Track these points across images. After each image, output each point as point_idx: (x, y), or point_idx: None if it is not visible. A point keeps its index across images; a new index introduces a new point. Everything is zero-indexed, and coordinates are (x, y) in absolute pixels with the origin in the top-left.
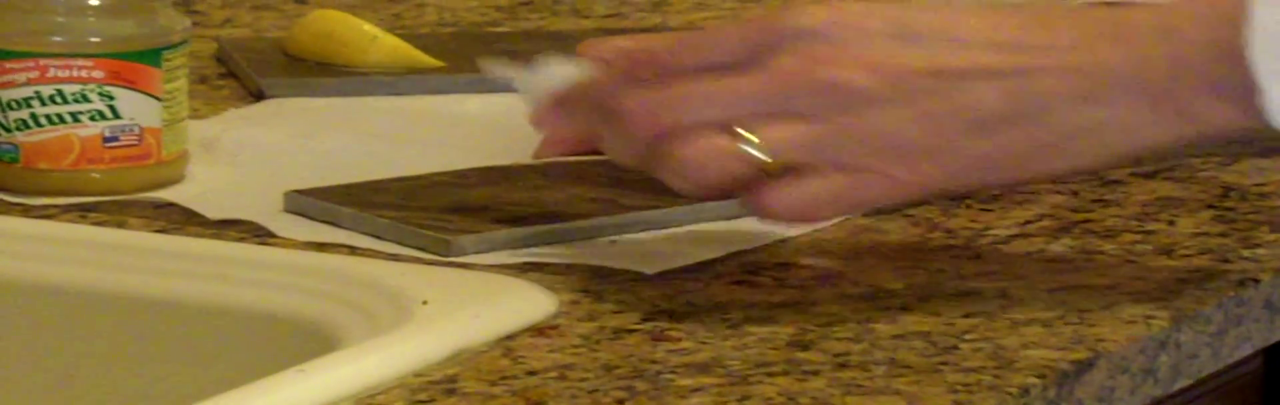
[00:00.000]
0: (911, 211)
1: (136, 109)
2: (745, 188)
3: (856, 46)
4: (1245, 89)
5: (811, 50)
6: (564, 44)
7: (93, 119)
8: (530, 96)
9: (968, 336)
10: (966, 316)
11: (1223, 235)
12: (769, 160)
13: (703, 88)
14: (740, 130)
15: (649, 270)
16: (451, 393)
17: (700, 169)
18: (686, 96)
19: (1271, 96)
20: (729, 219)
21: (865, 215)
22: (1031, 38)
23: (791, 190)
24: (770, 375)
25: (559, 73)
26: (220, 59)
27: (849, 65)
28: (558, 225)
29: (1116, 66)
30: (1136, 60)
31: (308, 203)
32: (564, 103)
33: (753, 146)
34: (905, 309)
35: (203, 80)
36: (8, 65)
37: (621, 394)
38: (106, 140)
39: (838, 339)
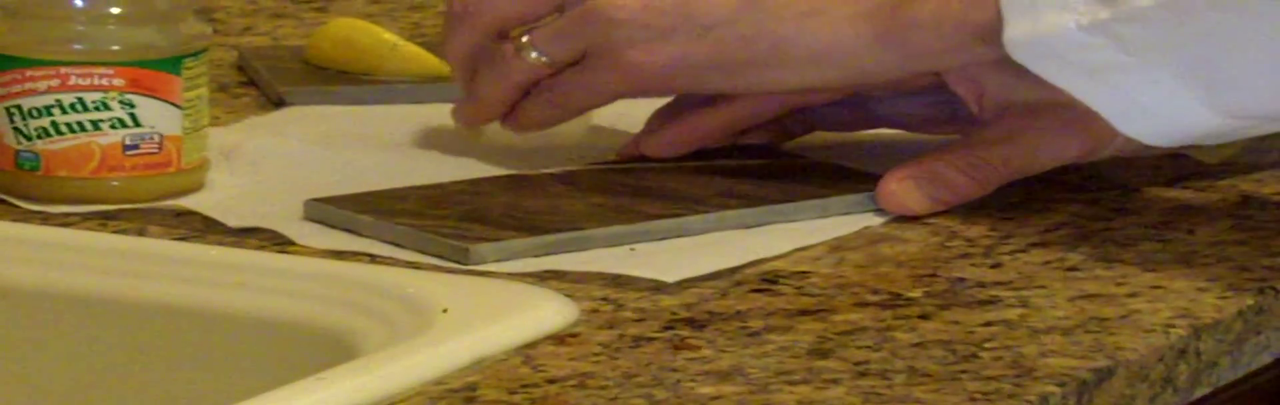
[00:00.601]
0: (931, 220)
1: (157, 117)
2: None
3: None
4: (982, 23)
5: None
6: None
7: (113, 127)
8: None
9: (987, 345)
10: (986, 325)
11: (1242, 243)
12: (539, 58)
13: None
14: (523, 38)
15: (669, 279)
16: (471, 401)
17: (504, 75)
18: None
19: (1006, 29)
20: (749, 227)
21: (884, 224)
22: None
23: (560, 79)
24: (790, 384)
25: None
26: (240, 67)
27: None
28: (577, 233)
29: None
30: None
31: (327, 211)
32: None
33: (525, 48)
34: (925, 317)
35: (223, 88)
36: (29, 73)
37: (641, 402)
38: (127, 148)
39: (857, 347)
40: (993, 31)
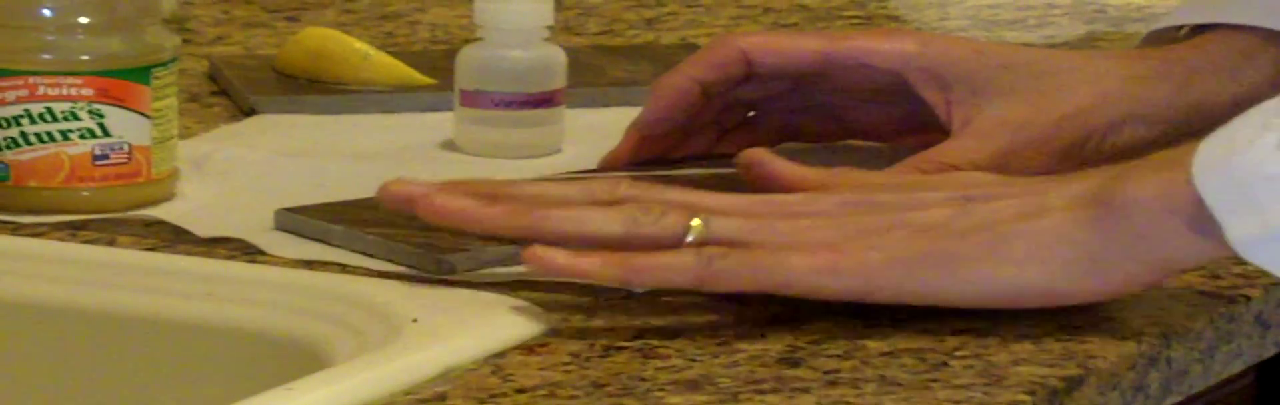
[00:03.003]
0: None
1: (126, 127)
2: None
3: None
4: (1203, 223)
5: None
6: None
7: (82, 137)
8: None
9: (958, 353)
10: (957, 333)
11: None
12: (694, 239)
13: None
14: (695, 220)
15: (639, 288)
16: None
17: (638, 223)
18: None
19: (1229, 230)
20: None
21: None
22: (999, 181)
23: (726, 262)
24: (760, 393)
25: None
26: (212, 77)
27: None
28: None
29: (1066, 192)
30: (1088, 190)
31: (298, 221)
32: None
33: (694, 228)
34: (895, 326)
35: (194, 98)
36: None
37: None
38: (96, 158)
39: (828, 356)
40: (1210, 221)
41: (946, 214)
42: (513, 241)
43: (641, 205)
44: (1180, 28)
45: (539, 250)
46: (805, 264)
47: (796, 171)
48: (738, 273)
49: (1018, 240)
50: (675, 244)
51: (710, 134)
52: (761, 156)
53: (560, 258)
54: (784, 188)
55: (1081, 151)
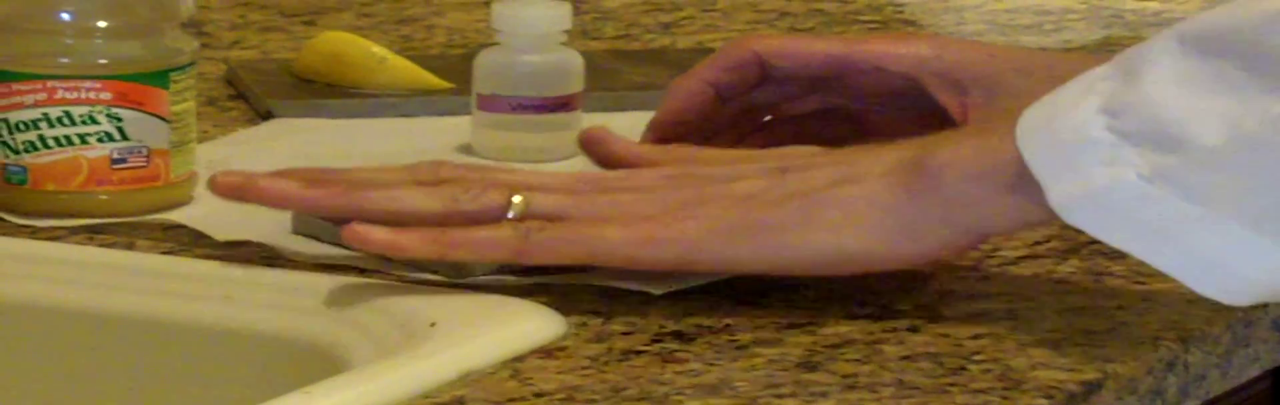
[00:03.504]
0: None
1: (144, 130)
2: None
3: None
4: (1023, 186)
5: None
6: None
7: (101, 140)
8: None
9: (976, 357)
10: (975, 338)
11: None
12: (515, 216)
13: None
14: (516, 196)
15: (656, 291)
16: None
17: (457, 200)
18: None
19: (1050, 192)
20: None
21: None
22: (818, 152)
23: (549, 236)
24: (779, 397)
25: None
26: (229, 81)
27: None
28: None
29: (883, 158)
30: (902, 158)
31: (316, 224)
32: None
33: (515, 205)
34: (913, 330)
35: (212, 102)
36: (16, 87)
37: None
38: (114, 162)
39: (846, 360)
40: (1027, 183)
41: (762, 184)
42: None
43: (463, 184)
44: None
45: (358, 227)
46: (622, 235)
47: (630, 148)
48: (555, 245)
49: (832, 207)
50: (496, 220)
51: (728, 137)
52: (601, 135)
53: (378, 233)
54: (620, 165)
55: None
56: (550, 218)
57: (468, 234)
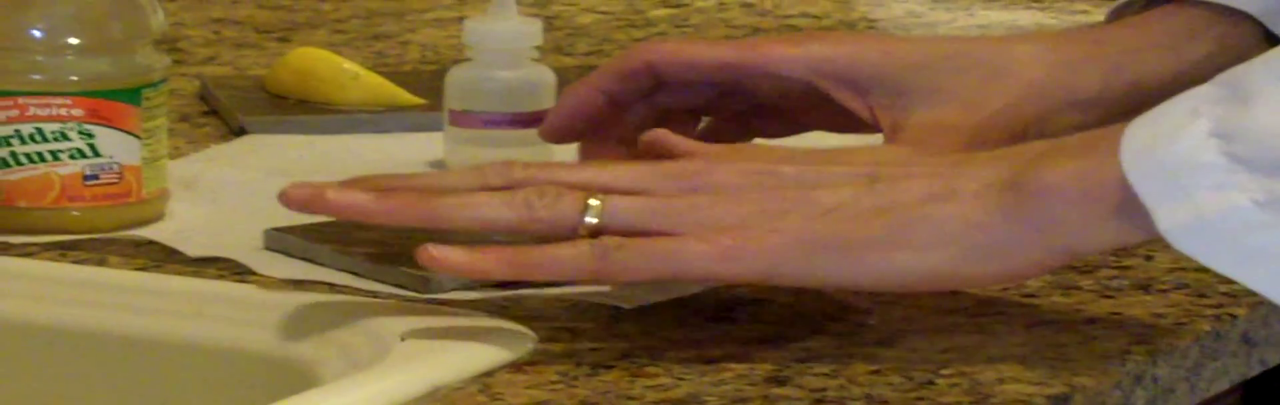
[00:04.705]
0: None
1: (116, 147)
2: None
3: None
4: (1128, 210)
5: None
6: None
7: (72, 157)
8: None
9: (944, 372)
10: (943, 352)
11: (1200, 270)
12: (593, 221)
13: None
14: (592, 200)
15: (626, 305)
16: None
17: (532, 207)
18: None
19: (1160, 219)
20: None
21: None
22: (909, 160)
23: (628, 254)
24: None
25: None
26: (202, 97)
27: (721, 168)
28: None
29: (979, 175)
30: (998, 176)
31: (287, 240)
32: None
33: (592, 209)
34: (882, 344)
35: (185, 118)
36: None
37: None
38: (86, 178)
39: (815, 375)
40: (1131, 207)
41: (848, 194)
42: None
43: (537, 189)
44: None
45: (433, 250)
46: (703, 252)
47: (695, 145)
48: (634, 264)
49: (922, 226)
50: (573, 226)
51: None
52: (661, 137)
53: (455, 256)
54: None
55: (1020, 143)
56: (627, 228)
57: (545, 254)
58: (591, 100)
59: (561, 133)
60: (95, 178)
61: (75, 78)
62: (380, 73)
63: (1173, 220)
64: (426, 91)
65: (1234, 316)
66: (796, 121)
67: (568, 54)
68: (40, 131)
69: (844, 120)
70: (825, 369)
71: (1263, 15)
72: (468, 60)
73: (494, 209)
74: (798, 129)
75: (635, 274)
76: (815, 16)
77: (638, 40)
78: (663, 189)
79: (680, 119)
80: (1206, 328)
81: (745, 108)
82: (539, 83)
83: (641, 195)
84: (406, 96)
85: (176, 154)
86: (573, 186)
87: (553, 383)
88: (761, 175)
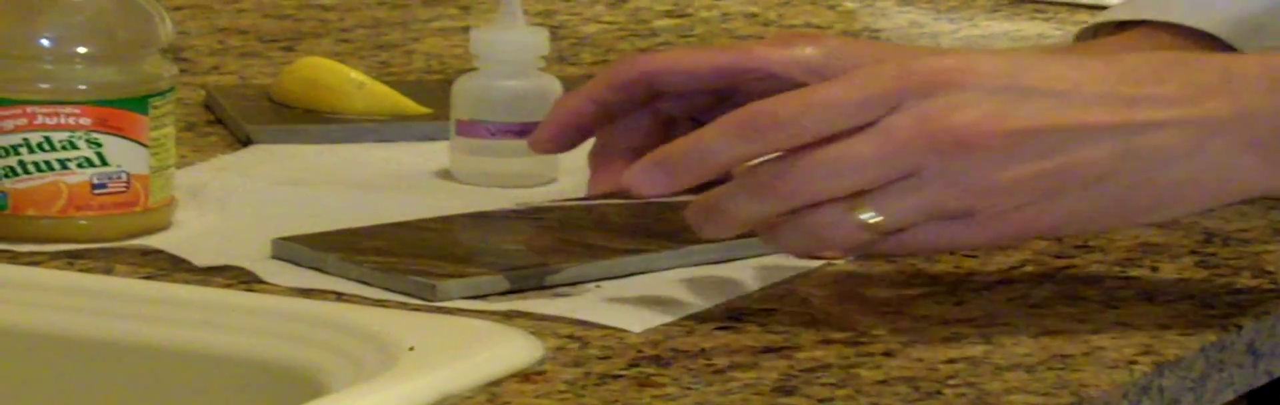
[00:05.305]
0: (896, 257)
1: (124, 156)
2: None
3: (970, 104)
4: None
5: (926, 109)
6: None
7: (81, 166)
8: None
9: (951, 382)
10: (950, 362)
11: (1205, 280)
12: (883, 226)
13: (827, 157)
14: (861, 215)
15: (635, 328)
16: None
17: (817, 239)
18: (812, 166)
19: None
20: (716, 263)
21: (850, 261)
22: (1141, 90)
23: (904, 239)
24: None
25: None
26: (208, 106)
27: (963, 124)
28: (543, 270)
29: (1224, 119)
30: (1244, 113)
31: (295, 249)
32: (663, 161)
33: (870, 220)
34: (889, 354)
35: (191, 127)
36: None
37: None
38: (94, 187)
39: (822, 384)
40: None
41: (1110, 158)
42: (509, 269)
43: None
44: (1116, 25)
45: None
46: (981, 239)
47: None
48: (916, 249)
49: (1189, 187)
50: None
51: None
52: None
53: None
54: None
55: None
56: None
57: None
58: (582, 111)
59: (551, 143)
60: (103, 187)
61: (83, 86)
62: (385, 82)
63: None
64: (432, 101)
65: (1240, 327)
66: None
67: (573, 64)
68: (48, 140)
69: None
70: (832, 379)
71: (1232, 38)
72: (474, 70)
73: (777, 243)
74: None
75: (919, 253)
76: (819, 27)
77: (642, 50)
78: (919, 166)
79: (683, 125)
80: (1212, 338)
81: None
82: (545, 92)
83: (909, 187)
84: (412, 106)
85: (183, 163)
86: (838, 194)
87: (561, 392)
88: (1028, 135)
